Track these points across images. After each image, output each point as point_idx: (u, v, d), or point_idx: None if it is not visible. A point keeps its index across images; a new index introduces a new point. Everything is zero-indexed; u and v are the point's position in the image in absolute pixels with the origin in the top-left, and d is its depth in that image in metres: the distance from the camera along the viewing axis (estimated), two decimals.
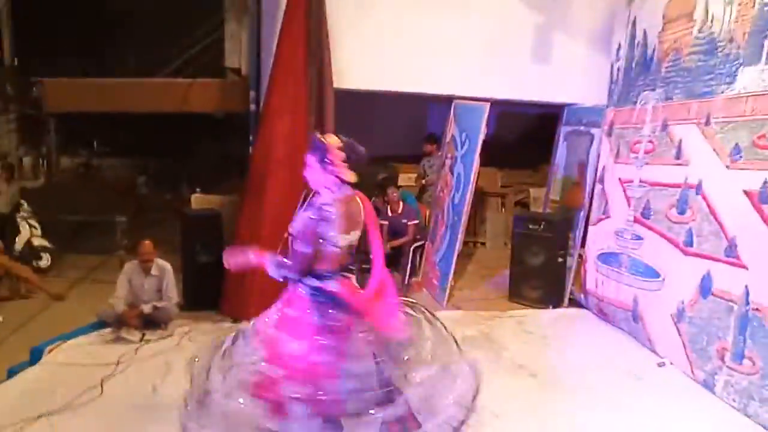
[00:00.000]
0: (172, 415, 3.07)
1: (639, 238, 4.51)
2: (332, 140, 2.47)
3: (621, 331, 4.73)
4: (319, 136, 2.52)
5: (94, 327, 4.39)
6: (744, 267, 3.43)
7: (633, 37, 4.86)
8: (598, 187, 5.23)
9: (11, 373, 3.67)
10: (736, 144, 3.57)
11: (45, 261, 6.57)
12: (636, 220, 4.55)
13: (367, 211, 2.55)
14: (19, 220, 6.77)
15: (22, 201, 7.10)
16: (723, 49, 3.76)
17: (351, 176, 2.43)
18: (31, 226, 6.77)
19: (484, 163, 7.69)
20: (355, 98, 5.32)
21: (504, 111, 7.65)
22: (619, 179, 4.83)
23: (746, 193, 3.43)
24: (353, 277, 2.65)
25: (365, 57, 5.11)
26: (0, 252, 5.84)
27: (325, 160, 2.42)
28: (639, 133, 4.63)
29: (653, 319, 4.30)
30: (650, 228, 4.38)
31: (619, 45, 5.09)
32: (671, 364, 4.02)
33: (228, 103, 7.26)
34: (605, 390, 3.64)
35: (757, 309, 3.31)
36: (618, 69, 5.10)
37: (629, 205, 4.66)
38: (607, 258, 4.94)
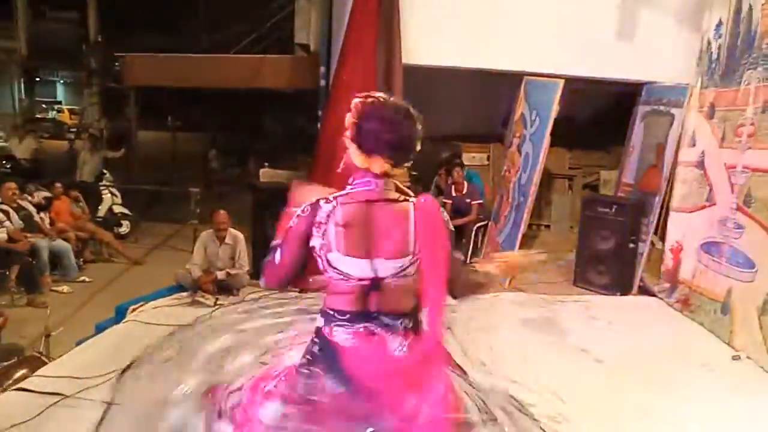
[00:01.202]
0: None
1: (740, 227, 4.27)
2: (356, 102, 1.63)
3: (694, 322, 4.53)
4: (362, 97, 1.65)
5: (171, 290, 4.65)
6: None
7: (738, 11, 4.53)
8: (695, 172, 4.96)
9: (99, 328, 3.96)
10: None
11: (125, 227, 7.00)
12: (739, 208, 4.33)
13: (425, 225, 1.59)
14: (102, 188, 7.23)
15: (105, 171, 7.56)
16: None
17: (377, 165, 1.59)
18: (112, 194, 7.21)
19: (552, 143, 7.48)
20: (423, 74, 5.27)
21: (575, 88, 7.37)
22: (725, 165, 4.57)
23: None
24: (398, 336, 1.63)
25: (435, 33, 5.03)
26: (86, 218, 6.26)
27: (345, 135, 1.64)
28: (743, 115, 4.36)
29: (741, 311, 4.08)
30: (751, 217, 4.14)
31: (720, 20, 4.77)
32: (747, 358, 3.84)
33: (298, 79, 7.38)
34: (674, 379, 3.50)
35: None
36: (719, 46, 4.78)
37: (733, 192, 4.41)
38: (709, 247, 4.70)
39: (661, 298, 5.04)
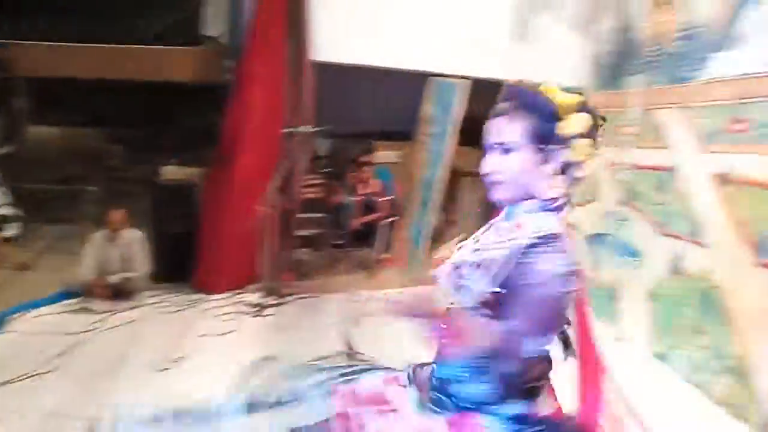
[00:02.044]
0: (139, 384, 3.11)
1: (625, 219, 4.60)
2: (565, 100, 1.32)
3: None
4: (537, 87, 1.36)
5: (60, 297, 4.35)
6: (707, 246, 3.56)
7: (622, 20, 4.88)
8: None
9: None
10: (708, 128, 3.66)
11: (13, 229, 6.44)
12: (623, 203, 4.65)
13: None
14: None
15: None
16: (699, 36, 3.83)
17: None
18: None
19: (460, 142, 7.71)
20: (338, 71, 5.26)
21: (482, 90, 7.63)
22: (608, 162, 4.89)
23: (714, 175, 3.53)
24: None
25: (342, 30, 5.02)
26: None
27: (553, 137, 1.29)
28: (625, 116, 4.70)
29: (628, 297, 4.41)
30: (635, 210, 4.47)
31: (606, 28, 5.12)
32: (627, 340, 4.17)
33: (206, 72, 7.10)
34: None
35: (716, 286, 3.43)
36: (605, 52, 5.14)
37: (617, 187, 4.75)
38: (594, 239, 5.02)
39: None
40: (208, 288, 4.57)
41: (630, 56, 4.71)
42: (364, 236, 6.00)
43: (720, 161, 3.50)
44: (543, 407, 1.31)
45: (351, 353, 2.14)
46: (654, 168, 4.24)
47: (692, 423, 3.09)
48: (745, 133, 3.35)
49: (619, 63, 4.87)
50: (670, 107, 4.09)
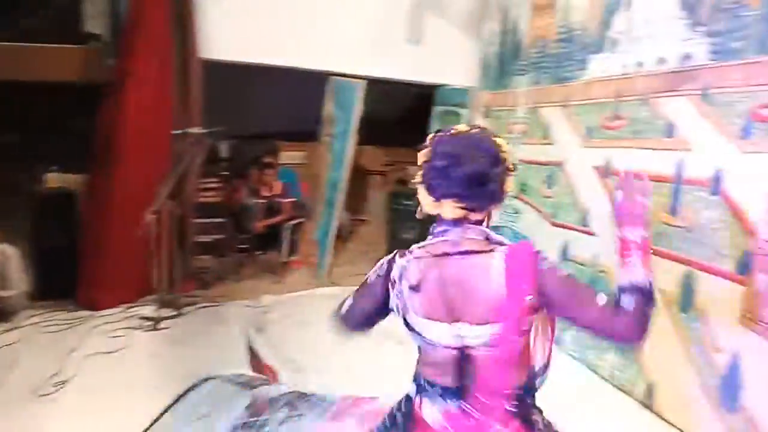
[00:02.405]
0: (18, 412, 2.83)
1: (518, 212, 4.82)
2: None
3: None
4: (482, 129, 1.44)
5: None
6: (593, 234, 3.82)
7: (506, 23, 5.11)
8: None
9: None
10: (588, 125, 3.93)
11: None
12: (516, 196, 4.86)
13: (520, 279, 1.32)
14: None
15: None
16: (578, 38, 4.10)
17: (448, 210, 1.39)
18: None
19: (367, 141, 7.74)
20: (240, 71, 5.09)
21: (385, 89, 7.75)
22: None
23: (595, 168, 3.79)
24: (496, 420, 1.37)
25: (235, 27, 4.86)
26: None
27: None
28: (514, 114, 4.92)
29: None
30: (526, 202, 4.70)
31: (493, 31, 5.34)
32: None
33: (86, 71, 6.61)
34: None
35: (602, 270, 3.68)
36: (492, 54, 5.36)
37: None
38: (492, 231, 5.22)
39: None
40: (95, 304, 4.24)
41: (516, 57, 4.94)
42: (270, 239, 5.86)
43: (600, 155, 3.76)
44: (420, 405, 1.46)
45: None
46: (542, 163, 4.49)
47: (581, 397, 3.27)
48: (621, 129, 3.62)
49: (506, 64, 5.10)
50: (555, 105, 4.35)
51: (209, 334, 3.96)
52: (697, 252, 2.95)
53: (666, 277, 3.09)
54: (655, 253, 3.17)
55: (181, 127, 4.31)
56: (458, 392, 1.36)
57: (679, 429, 2.96)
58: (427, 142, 1.42)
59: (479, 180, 1.35)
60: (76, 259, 4.38)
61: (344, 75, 5.37)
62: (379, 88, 5.43)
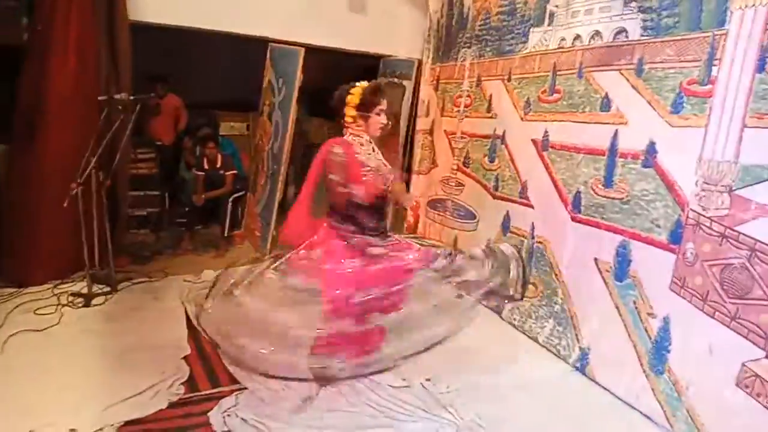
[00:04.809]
0: None
1: (461, 185, 4.85)
2: None
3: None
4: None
5: None
6: (531, 206, 3.90)
7: None
8: (427, 139, 5.48)
9: None
10: (527, 98, 3.97)
11: None
12: (458, 169, 4.89)
13: None
14: None
15: None
16: (520, 11, 4.11)
17: None
18: None
19: (312, 113, 7.57)
20: (180, 38, 4.81)
21: (331, 60, 7.57)
22: (445, 131, 5.13)
23: (534, 142, 3.85)
24: None
25: None
26: None
27: None
28: (460, 88, 4.91)
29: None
30: (469, 176, 4.74)
31: (440, 2, 5.29)
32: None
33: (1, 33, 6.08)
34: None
35: (540, 242, 3.79)
36: (441, 26, 5.31)
37: (453, 155, 4.99)
38: (434, 204, 5.27)
39: None
40: (22, 280, 3.99)
41: (462, 29, 4.93)
42: (210, 213, 5.68)
43: (538, 128, 3.83)
44: None
45: None
46: (485, 136, 4.53)
47: (522, 362, 3.42)
48: (558, 103, 3.68)
49: (453, 36, 5.08)
50: (497, 79, 4.37)
51: (145, 310, 3.81)
52: (631, 222, 3.07)
53: (602, 247, 3.21)
54: (592, 223, 3.30)
55: (108, 93, 4.05)
56: None
57: (611, 392, 3.11)
58: None
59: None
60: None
61: (284, 42, 5.19)
62: (325, 58, 5.28)
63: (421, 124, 5.62)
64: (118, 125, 3.92)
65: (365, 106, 2.65)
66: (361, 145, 2.67)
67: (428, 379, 3.07)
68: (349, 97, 2.66)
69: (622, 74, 3.18)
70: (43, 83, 4.06)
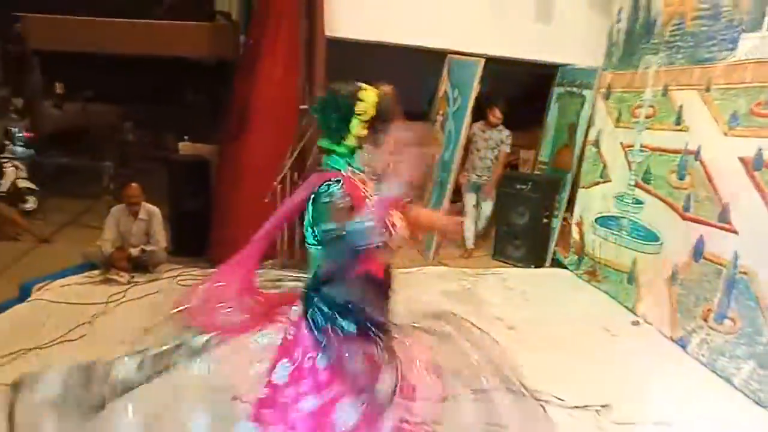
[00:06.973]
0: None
1: (640, 202, 4.57)
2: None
3: (600, 291, 4.84)
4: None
5: (82, 268, 4.41)
6: (735, 232, 3.52)
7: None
8: (592, 150, 5.25)
9: (0, 308, 3.70)
10: (734, 111, 3.60)
11: (30, 203, 6.51)
12: (637, 185, 4.61)
13: None
14: (3, 161, 6.67)
15: (7, 142, 6.97)
16: (726, 15, 3.76)
17: None
18: (16, 167, 6.68)
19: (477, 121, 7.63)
20: (351, 49, 5.23)
21: (498, 70, 7.56)
22: (621, 143, 4.84)
23: (741, 160, 3.47)
24: None
25: (358, 6, 4.98)
26: None
27: None
28: (640, 97, 4.63)
29: (646, 280, 4.36)
30: (651, 193, 4.43)
31: (621, 7, 5.04)
32: (646, 323, 4.16)
33: (218, 48, 7.10)
34: (579, 342, 3.74)
35: (744, 272, 3.40)
36: (618, 31, 5.06)
37: (630, 169, 4.69)
38: (606, 221, 5.00)
39: (571, 270, 5.35)
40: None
41: (647, 35, 4.62)
42: None
43: (748, 145, 3.44)
44: None
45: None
46: (672, 151, 4.19)
47: (713, 408, 3.07)
48: None
49: (635, 42, 4.79)
50: (692, 88, 4.03)
51: None
52: None
53: None
54: None
55: (306, 102, 4.53)
56: None
57: None
58: None
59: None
60: (207, 222, 4.79)
61: (462, 53, 5.33)
62: (492, 68, 5.32)
63: (589, 135, 5.36)
64: (312, 132, 4.36)
65: (382, 121, 1.66)
66: (362, 183, 1.70)
67: None
68: (360, 105, 1.65)
69: None
70: (252, 91, 4.67)
